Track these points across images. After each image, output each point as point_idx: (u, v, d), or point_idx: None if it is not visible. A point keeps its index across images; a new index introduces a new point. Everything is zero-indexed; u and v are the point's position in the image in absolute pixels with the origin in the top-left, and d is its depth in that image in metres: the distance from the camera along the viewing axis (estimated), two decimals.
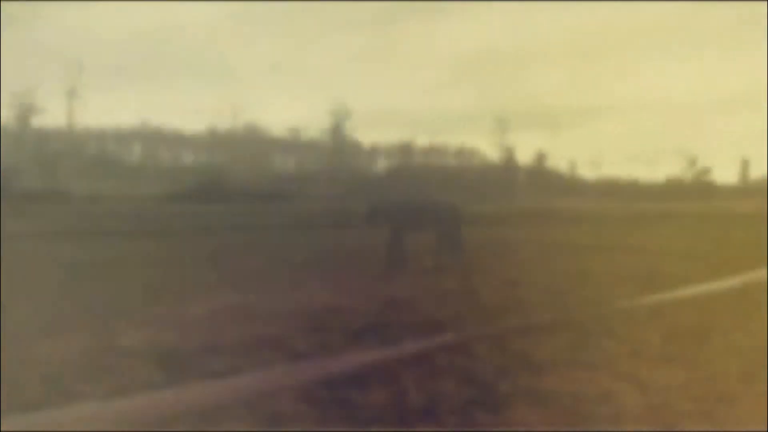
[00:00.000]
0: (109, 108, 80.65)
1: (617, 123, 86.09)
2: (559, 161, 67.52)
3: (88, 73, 34.80)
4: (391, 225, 9.27)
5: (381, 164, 59.69)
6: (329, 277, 8.55)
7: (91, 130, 46.37)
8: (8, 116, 30.83)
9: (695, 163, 53.23)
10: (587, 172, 64.26)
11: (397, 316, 6.03)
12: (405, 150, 55.53)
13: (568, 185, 57.11)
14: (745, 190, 55.75)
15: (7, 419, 3.12)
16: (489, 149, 67.44)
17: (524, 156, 60.89)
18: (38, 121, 32.06)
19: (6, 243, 11.58)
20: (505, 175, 48.69)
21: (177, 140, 55.08)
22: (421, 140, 63.83)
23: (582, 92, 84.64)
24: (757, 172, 61.57)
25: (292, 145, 55.71)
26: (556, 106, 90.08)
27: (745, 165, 66.34)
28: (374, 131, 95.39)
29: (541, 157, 55.99)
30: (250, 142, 43.25)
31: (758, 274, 8.95)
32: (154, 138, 54.28)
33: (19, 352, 4.42)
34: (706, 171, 54.43)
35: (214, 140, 45.99)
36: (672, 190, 51.53)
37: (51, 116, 33.37)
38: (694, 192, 48.36)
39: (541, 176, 54.68)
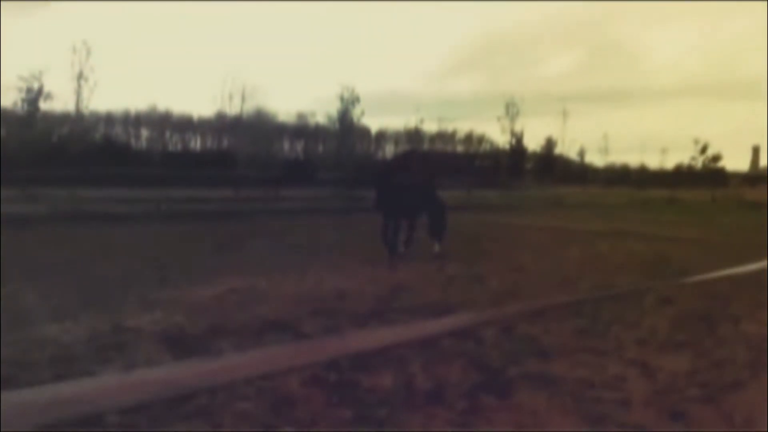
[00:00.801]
0: (118, 91, 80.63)
1: (627, 109, 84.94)
2: (568, 147, 66.89)
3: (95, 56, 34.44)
4: (385, 210, 9.22)
5: (388, 150, 59.48)
6: (331, 262, 8.57)
7: (99, 114, 46.47)
8: (16, 100, 30.78)
9: (705, 150, 52.47)
10: (596, 159, 63.70)
11: (405, 300, 6.05)
12: (413, 135, 55.17)
13: (578, 171, 56.71)
14: (756, 177, 55.13)
15: (20, 393, 3.16)
16: (498, 135, 66.98)
17: (533, 142, 60.46)
18: (46, 105, 32.00)
19: (14, 226, 11.69)
20: (513, 161, 48.30)
21: (185, 124, 55.16)
22: (429, 125, 63.36)
23: (592, 78, 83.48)
24: None
25: (300, 130, 55.59)
26: (565, 91, 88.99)
27: (755, 152, 65.50)
28: (382, 116, 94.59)
29: (550, 144, 55.57)
30: (258, 127, 43.17)
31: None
32: (162, 122, 54.37)
33: (28, 332, 4.48)
34: (716, 158, 53.66)
35: (222, 125, 45.97)
36: (682, 177, 51.00)
37: (59, 100, 33.33)
38: (704, 179, 47.79)
39: (550, 162, 54.30)
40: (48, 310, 5.12)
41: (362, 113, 39.07)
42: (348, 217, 16.01)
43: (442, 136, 59.55)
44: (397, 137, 58.45)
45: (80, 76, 31.38)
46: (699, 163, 52.43)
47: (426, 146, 55.96)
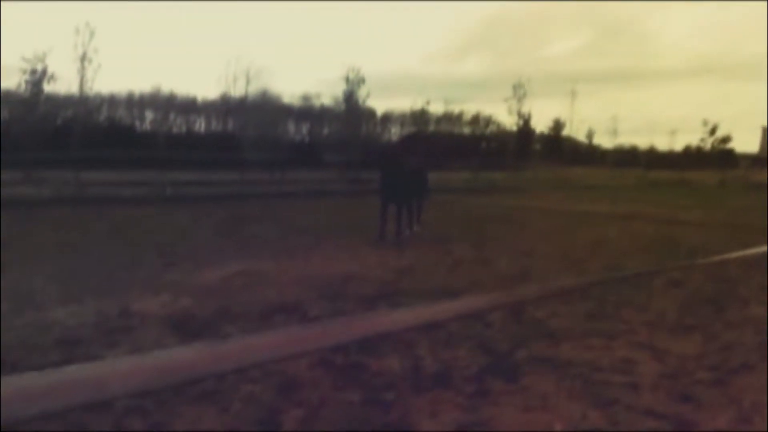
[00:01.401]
0: (122, 73, 79.99)
1: (636, 90, 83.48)
2: (576, 129, 66.23)
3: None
4: (391, 194, 9.11)
5: (394, 132, 59.04)
6: (337, 245, 8.55)
7: (103, 96, 46.23)
8: (20, 81, 30.48)
9: (715, 131, 51.66)
10: (605, 141, 63.02)
11: (412, 283, 6.02)
12: (419, 117, 54.72)
13: (586, 153, 56.16)
14: (766, 158, 54.40)
15: (23, 378, 3.16)
16: (505, 117, 66.15)
17: (541, 124, 59.89)
18: (50, 87, 31.69)
19: (20, 209, 11.74)
20: (521, 143, 47.77)
21: (189, 107, 54.87)
22: (436, 107, 62.81)
23: (601, 58, 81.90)
24: None
25: (305, 112, 55.19)
26: (574, 72, 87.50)
27: (765, 133, 64.47)
28: (388, 98, 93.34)
29: (558, 125, 54.94)
30: (263, 109, 42.87)
31: None
32: (166, 104, 54.09)
33: (34, 315, 4.49)
34: (725, 140, 52.90)
35: (227, 107, 45.72)
36: (691, 158, 50.45)
37: (62, 82, 33.14)
38: (713, 161, 47.26)
39: (557, 144, 53.74)
40: (54, 294, 5.13)
41: (368, 95, 38.61)
42: (354, 200, 15.96)
43: (449, 118, 58.97)
44: (403, 119, 57.96)
45: (84, 58, 31.01)
46: (708, 145, 51.82)
47: (432, 128, 55.47)
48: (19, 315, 4.44)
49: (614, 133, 58.34)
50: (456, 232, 10.06)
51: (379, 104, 64.26)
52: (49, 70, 30.22)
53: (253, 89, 41.09)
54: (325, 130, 54.51)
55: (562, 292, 5.71)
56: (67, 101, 35.11)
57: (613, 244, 9.25)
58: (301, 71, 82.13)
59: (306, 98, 54.33)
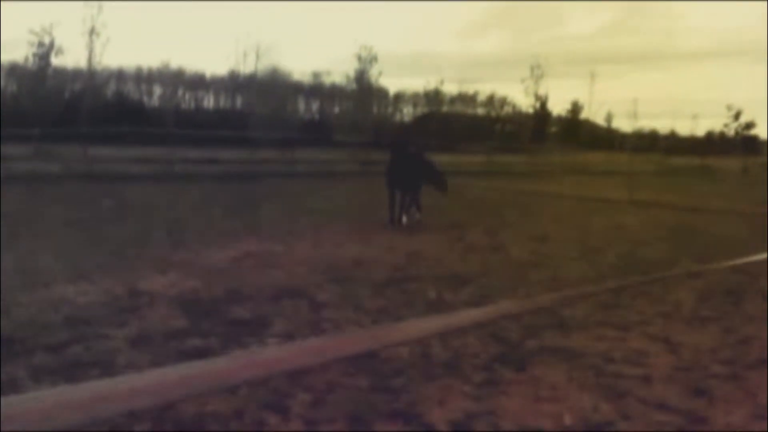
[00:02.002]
0: (130, 47, 79.51)
1: (658, 72, 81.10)
2: (595, 112, 65.04)
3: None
4: (399, 179, 8.94)
5: (407, 112, 58.39)
6: (347, 227, 8.49)
7: (111, 70, 46.03)
8: (27, 54, 30.22)
9: (739, 116, 50.27)
10: (624, 124, 61.83)
11: (423, 269, 5.96)
12: (432, 97, 54.03)
13: (604, 137, 55.20)
14: None
15: (50, 392, 3.15)
16: (521, 98, 65.17)
17: (558, 106, 58.94)
18: (58, 60, 31.42)
19: (29, 185, 11.78)
20: (537, 126, 46.90)
21: (198, 82, 54.54)
22: (450, 87, 61.80)
23: (622, 39, 79.53)
24: None
25: (315, 89, 54.70)
26: (594, 53, 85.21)
27: None
28: (401, 77, 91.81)
29: (576, 107, 53.93)
30: (272, 86, 42.51)
31: None
32: (174, 80, 53.77)
33: (43, 293, 4.49)
34: (750, 125, 51.51)
35: (236, 83, 45.43)
36: (713, 144, 49.26)
37: (71, 55, 32.98)
38: (736, 147, 46.08)
39: (575, 127, 52.78)
40: (63, 271, 5.12)
41: (380, 74, 38.12)
42: (365, 181, 15.86)
43: (463, 99, 58.05)
44: (415, 99, 57.21)
45: (92, 32, 30.71)
46: (731, 130, 50.56)
47: (446, 109, 54.74)
48: (27, 292, 4.44)
49: (634, 116, 57.17)
50: (467, 218, 9.95)
51: (391, 83, 63.42)
52: (57, 43, 29.99)
53: (263, 66, 40.73)
54: (336, 109, 54.04)
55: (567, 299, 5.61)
56: (75, 75, 34.93)
57: (628, 234, 9.06)
58: (311, 48, 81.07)
59: (316, 75, 53.75)
